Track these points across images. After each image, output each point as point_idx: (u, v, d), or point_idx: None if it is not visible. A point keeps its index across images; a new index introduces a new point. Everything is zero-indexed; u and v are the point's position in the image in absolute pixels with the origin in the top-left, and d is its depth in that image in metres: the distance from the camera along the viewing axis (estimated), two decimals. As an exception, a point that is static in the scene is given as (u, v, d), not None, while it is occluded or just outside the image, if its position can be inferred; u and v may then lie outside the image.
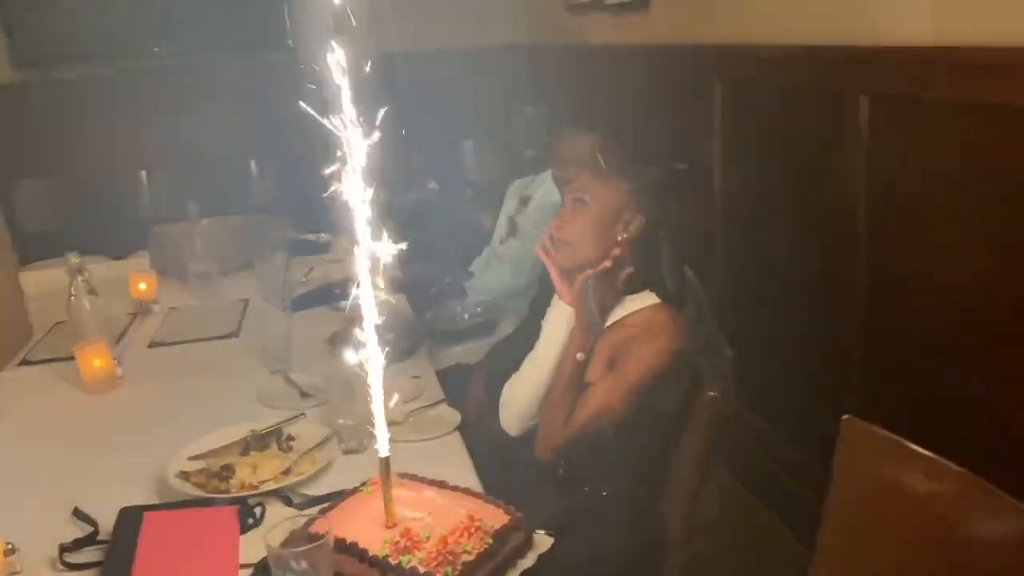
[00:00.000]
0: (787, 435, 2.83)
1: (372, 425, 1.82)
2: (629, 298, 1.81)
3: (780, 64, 2.63)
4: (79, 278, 2.26)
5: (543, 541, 1.40)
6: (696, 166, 2.91)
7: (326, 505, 1.44)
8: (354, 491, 1.48)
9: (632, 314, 1.79)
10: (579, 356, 1.75)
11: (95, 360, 2.16)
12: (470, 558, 1.27)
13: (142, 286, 2.83)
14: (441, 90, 4.72)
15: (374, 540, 1.31)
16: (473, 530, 1.31)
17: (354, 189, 1.23)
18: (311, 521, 1.37)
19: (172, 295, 2.93)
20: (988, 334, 1.92)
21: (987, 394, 1.93)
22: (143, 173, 4.94)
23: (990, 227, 1.89)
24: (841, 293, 2.43)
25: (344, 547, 1.31)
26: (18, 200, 4.67)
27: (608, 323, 1.81)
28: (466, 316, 2.76)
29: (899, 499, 1.36)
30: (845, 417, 1.44)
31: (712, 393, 1.68)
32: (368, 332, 1.31)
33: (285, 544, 1.27)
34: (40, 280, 2.89)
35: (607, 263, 1.75)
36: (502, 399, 1.91)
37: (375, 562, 1.27)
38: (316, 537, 1.26)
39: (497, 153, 4.15)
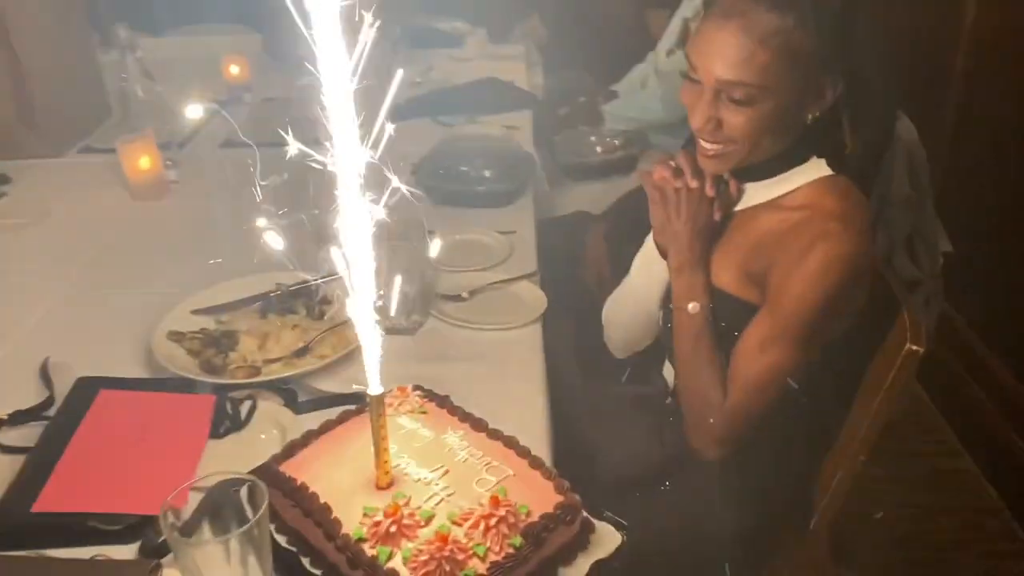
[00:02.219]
0: (1008, 364, 2.17)
1: (431, 300, 1.41)
2: (783, 175, 1.19)
3: None
4: (130, 57, 1.87)
5: (606, 536, 0.94)
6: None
7: (313, 429, 1.03)
8: (362, 408, 1.06)
9: (790, 193, 1.18)
10: (691, 308, 1.20)
11: (140, 160, 1.81)
12: (480, 568, 0.83)
13: (234, 69, 2.44)
14: None
15: (353, 508, 0.89)
16: (495, 521, 0.86)
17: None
18: (278, 457, 0.98)
19: (273, 83, 2.53)
20: None
21: None
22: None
23: None
24: None
25: (312, 509, 0.90)
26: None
27: (745, 205, 1.22)
28: (599, 149, 2.19)
29: None
30: None
31: (914, 347, 1.09)
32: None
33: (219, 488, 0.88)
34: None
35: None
36: (604, 314, 1.40)
37: (344, 545, 0.86)
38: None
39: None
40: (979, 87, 2.30)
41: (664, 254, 1.26)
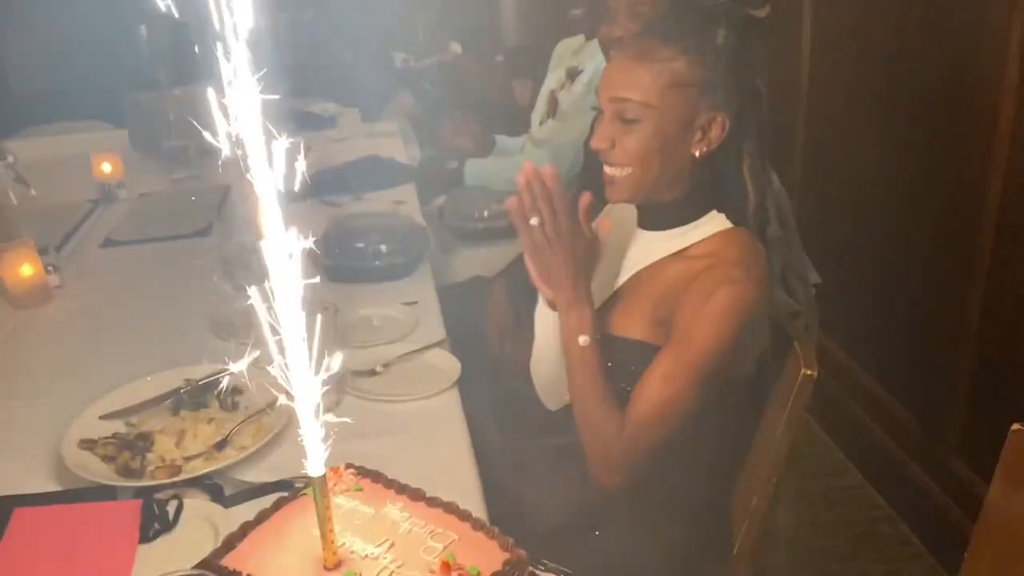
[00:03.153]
0: (881, 380, 2.35)
1: (348, 377, 1.43)
2: (687, 227, 1.29)
3: None
4: (1, 163, 1.82)
5: (555, 586, 0.98)
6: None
7: (249, 520, 1.02)
8: (296, 493, 1.06)
9: (694, 244, 1.28)
10: (582, 340, 1.25)
11: (21, 267, 1.75)
12: (440, 633, 0.85)
13: (106, 167, 2.39)
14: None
15: (304, 592, 0.89)
16: (448, 586, 0.89)
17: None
18: (218, 551, 0.97)
19: (145, 178, 2.50)
20: None
21: None
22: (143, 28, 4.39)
23: None
24: (968, 210, 1.89)
25: (262, 599, 0.90)
26: (9, 57, 4.22)
27: (649, 261, 1.30)
28: (485, 213, 2.26)
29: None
30: (1015, 427, 0.98)
31: (808, 372, 1.20)
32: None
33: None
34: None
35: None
36: (531, 371, 1.44)
37: (301, 631, 0.86)
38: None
39: (540, 9, 3.54)
40: (820, 134, 2.53)
41: (552, 304, 1.32)
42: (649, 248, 1.30)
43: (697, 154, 1.23)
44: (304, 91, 3.03)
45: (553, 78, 2.43)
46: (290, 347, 0.84)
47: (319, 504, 0.90)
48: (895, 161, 2.18)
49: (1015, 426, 0.97)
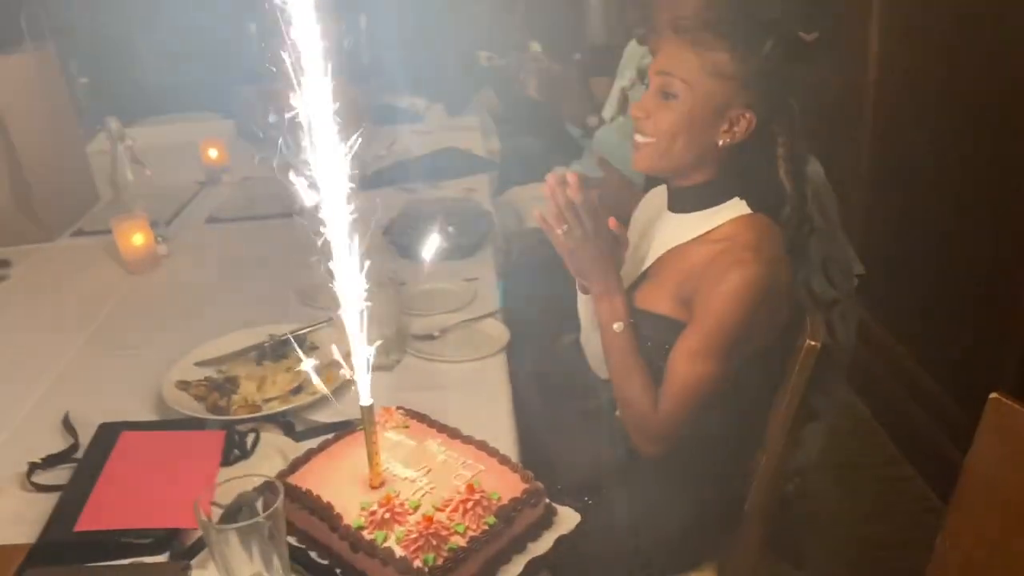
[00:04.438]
0: (935, 374, 2.40)
1: (401, 340, 1.60)
2: (710, 210, 1.40)
3: None
4: (121, 145, 2.06)
5: (567, 517, 1.12)
6: (837, 36, 2.40)
7: (313, 447, 1.20)
8: (352, 430, 1.23)
9: (715, 229, 1.39)
10: (616, 327, 1.39)
11: (134, 236, 1.99)
12: (461, 542, 1.00)
13: (212, 153, 2.63)
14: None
15: (352, 504, 1.06)
16: (471, 505, 1.04)
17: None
18: (284, 472, 1.15)
19: (248, 163, 2.73)
20: None
21: None
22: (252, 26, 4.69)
23: None
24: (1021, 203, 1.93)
25: (317, 508, 1.07)
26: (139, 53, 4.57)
27: (675, 243, 1.42)
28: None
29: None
30: (993, 396, 1.07)
31: (812, 342, 1.30)
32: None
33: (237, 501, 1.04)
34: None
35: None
36: (581, 341, 1.59)
37: (346, 534, 1.02)
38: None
39: (618, 10, 3.65)
40: (888, 138, 2.58)
41: (584, 289, 1.46)
42: (676, 230, 1.42)
43: (721, 143, 1.34)
44: (395, 87, 3.23)
45: (624, 77, 2.55)
46: (347, 303, 1.01)
47: (367, 431, 1.06)
48: (955, 155, 2.22)
49: (993, 395, 1.06)
